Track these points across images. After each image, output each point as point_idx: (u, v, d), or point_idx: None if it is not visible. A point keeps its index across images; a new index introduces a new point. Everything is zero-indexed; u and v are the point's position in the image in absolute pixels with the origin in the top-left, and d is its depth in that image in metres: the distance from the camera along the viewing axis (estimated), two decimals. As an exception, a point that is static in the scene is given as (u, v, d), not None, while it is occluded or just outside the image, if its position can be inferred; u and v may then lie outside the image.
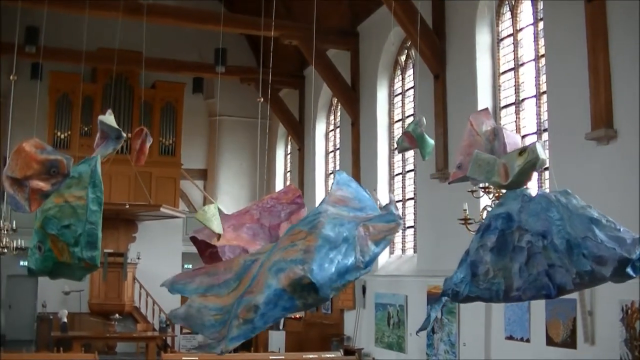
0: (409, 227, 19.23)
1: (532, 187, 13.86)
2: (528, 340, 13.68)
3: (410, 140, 8.34)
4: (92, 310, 23.19)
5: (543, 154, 6.65)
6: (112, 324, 22.04)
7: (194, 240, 5.66)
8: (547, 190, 13.60)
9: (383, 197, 19.88)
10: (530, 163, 6.66)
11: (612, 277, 5.49)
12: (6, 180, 5.43)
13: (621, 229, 5.55)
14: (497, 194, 11.11)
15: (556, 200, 5.89)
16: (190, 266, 27.25)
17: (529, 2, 15.16)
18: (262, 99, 16.36)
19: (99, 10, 19.49)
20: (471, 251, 6.09)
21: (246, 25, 21.05)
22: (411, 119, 19.25)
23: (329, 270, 4.86)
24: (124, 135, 6.40)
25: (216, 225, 6.10)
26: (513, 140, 6.95)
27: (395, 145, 8.91)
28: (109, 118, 6.53)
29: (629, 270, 5.43)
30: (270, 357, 18.43)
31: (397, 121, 20.35)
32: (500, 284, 5.92)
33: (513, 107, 15.39)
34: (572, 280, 5.62)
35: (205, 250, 5.60)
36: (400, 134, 8.60)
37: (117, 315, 22.26)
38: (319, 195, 24.67)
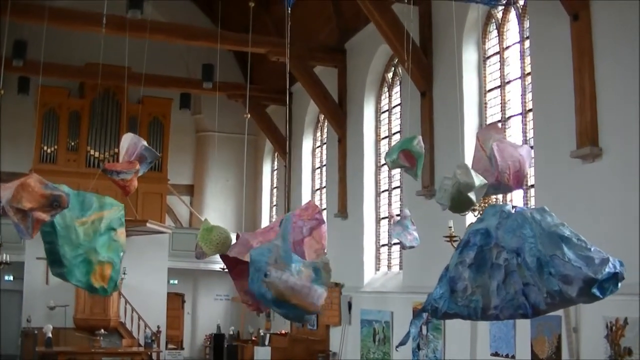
0: (395, 244, 19.26)
1: (517, 203, 13.94)
2: (513, 357, 13.70)
3: (409, 158, 8.29)
4: (78, 325, 23.08)
5: (465, 176, 6.68)
6: (98, 340, 21.97)
7: (223, 257, 5.67)
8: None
9: (370, 214, 19.99)
10: (455, 187, 6.73)
11: (578, 297, 5.46)
12: (10, 209, 6.11)
13: (592, 249, 5.53)
14: (481, 212, 11.17)
15: (531, 217, 5.85)
16: (176, 282, 27.24)
17: (516, 21, 15.26)
18: (249, 115, 16.40)
19: (88, 26, 19.49)
20: (450, 267, 6.07)
21: (234, 41, 21.10)
22: (398, 136, 19.30)
23: None
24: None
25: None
26: (510, 154, 6.99)
27: (386, 162, 8.85)
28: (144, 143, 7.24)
29: (594, 290, 5.37)
30: (256, 373, 18.42)
31: (383, 138, 20.41)
32: (479, 301, 5.84)
33: (499, 125, 15.45)
34: (544, 299, 5.61)
35: (235, 266, 5.61)
36: (392, 152, 8.52)
37: (102, 330, 22.18)
38: (306, 211, 24.65)
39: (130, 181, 7.35)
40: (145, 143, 7.50)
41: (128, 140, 7.55)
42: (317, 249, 5.42)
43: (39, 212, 6.00)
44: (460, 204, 6.87)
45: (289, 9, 9.62)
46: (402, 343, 6.49)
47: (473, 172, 6.82)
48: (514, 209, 6.08)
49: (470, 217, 11.78)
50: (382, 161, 20.32)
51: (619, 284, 5.46)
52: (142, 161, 7.50)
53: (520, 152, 7.15)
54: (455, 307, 5.94)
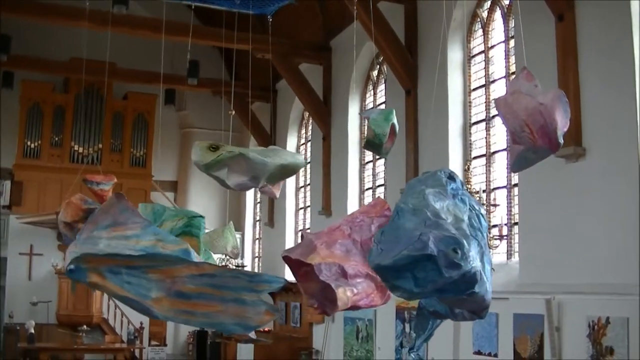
0: (379, 242, 19.29)
1: (499, 200, 14.02)
2: (496, 356, 13.75)
3: (392, 134, 8.02)
4: (60, 321, 23.02)
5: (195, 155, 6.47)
6: (80, 336, 21.90)
7: (287, 259, 5.51)
8: (517, 208, 13.75)
9: (353, 208, 19.92)
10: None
11: (394, 291, 4.43)
12: (60, 223, 8.06)
13: (430, 222, 4.29)
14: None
15: (412, 184, 4.84)
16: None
17: (501, 20, 15.30)
18: (234, 112, 16.38)
19: (72, 21, 19.43)
20: None
21: (219, 38, 21.07)
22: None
23: None
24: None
25: (214, 248, 6.17)
26: (524, 106, 5.72)
27: (371, 131, 8.14)
28: None
29: (399, 283, 4.27)
30: (239, 370, 18.38)
31: (368, 136, 20.38)
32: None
33: (484, 124, 15.50)
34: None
35: (299, 269, 5.42)
36: (382, 123, 8.18)
37: (85, 326, 22.12)
38: (290, 208, 24.70)
39: (107, 191, 8.33)
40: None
41: None
42: None
43: (79, 224, 7.33)
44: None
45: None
46: (415, 348, 6.07)
47: (202, 149, 6.67)
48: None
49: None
50: (367, 159, 20.33)
51: (453, 272, 4.19)
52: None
53: (540, 101, 5.72)
54: (435, 304, 5.19)
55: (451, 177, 4.82)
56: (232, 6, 13.29)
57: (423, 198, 4.48)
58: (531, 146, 5.70)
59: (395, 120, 7.92)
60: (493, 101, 15.25)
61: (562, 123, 5.64)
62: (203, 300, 4.85)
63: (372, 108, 20.33)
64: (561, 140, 5.63)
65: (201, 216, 6.23)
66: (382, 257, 4.25)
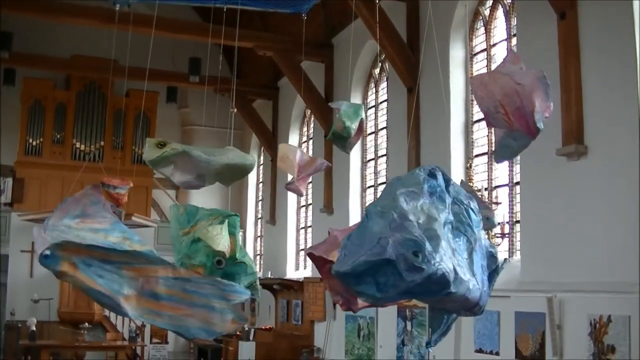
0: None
1: (501, 199, 14.01)
2: (497, 354, 13.73)
3: (359, 129, 8.03)
4: (62, 318, 23.01)
5: (145, 151, 6.45)
6: (82, 333, 21.87)
7: (311, 256, 5.45)
8: (518, 206, 13.73)
9: (356, 209, 19.90)
10: None
11: (359, 295, 4.43)
12: None
13: (383, 223, 4.22)
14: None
15: (391, 183, 4.68)
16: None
17: (503, 18, 15.28)
18: (235, 109, 16.34)
19: (74, 18, 19.42)
20: None
21: (221, 35, 21.05)
22: (384, 132, 19.24)
23: None
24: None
25: (217, 244, 6.16)
26: (500, 86, 5.45)
27: (339, 123, 8.07)
28: None
29: (361, 288, 4.22)
30: (240, 368, 18.35)
31: (370, 134, 20.37)
32: None
33: (485, 122, 15.46)
34: None
35: (324, 265, 5.36)
36: (352, 116, 8.18)
37: (86, 324, 22.09)
38: (291, 205, 24.69)
39: (123, 195, 7.96)
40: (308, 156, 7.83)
41: (292, 153, 7.64)
42: None
43: None
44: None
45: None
46: (432, 343, 6.01)
47: (150, 146, 6.62)
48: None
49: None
50: (369, 157, 20.31)
51: (414, 276, 4.10)
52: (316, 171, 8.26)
53: (518, 81, 5.45)
54: None
55: (432, 174, 4.73)
56: (267, 6, 13.29)
57: (393, 199, 4.38)
58: (507, 130, 5.48)
59: (364, 116, 7.95)
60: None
61: (541, 106, 5.38)
62: (172, 302, 4.93)
63: (373, 106, 20.34)
64: (540, 125, 5.37)
65: (236, 214, 6.21)
66: (342, 263, 4.19)
